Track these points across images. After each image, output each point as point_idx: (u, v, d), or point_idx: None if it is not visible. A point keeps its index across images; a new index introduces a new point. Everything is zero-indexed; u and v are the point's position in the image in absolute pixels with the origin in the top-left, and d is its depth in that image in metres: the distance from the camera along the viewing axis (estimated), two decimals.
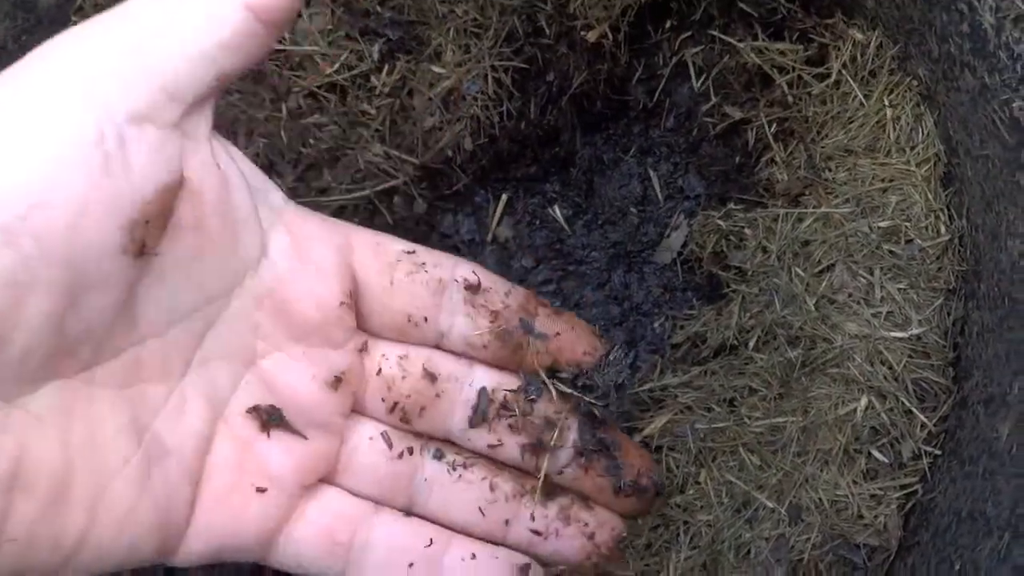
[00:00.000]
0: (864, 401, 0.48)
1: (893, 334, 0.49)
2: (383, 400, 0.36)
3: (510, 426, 0.36)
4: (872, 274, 0.50)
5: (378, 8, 0.56)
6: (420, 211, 0.60)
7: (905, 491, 0.48)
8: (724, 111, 0.61)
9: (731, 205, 0.58)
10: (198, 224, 0.30)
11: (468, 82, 0.57)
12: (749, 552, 0.47)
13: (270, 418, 0.33)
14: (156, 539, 0.30)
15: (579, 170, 0.64)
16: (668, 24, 0.61)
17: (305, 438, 0.34)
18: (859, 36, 0.55)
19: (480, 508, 0.36)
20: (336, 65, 0.55)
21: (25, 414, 0.26)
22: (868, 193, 0.52)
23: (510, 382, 0.37)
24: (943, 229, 0.51)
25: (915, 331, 0.49)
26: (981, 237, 0.49)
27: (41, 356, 0.26)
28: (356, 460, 0.36)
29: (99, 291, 0.27)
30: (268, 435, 0.33)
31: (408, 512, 0.36)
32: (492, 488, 0.37)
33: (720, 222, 0.57)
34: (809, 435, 0.48)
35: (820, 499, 0.47)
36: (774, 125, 0.58)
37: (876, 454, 0.48)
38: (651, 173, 0.64)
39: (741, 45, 0.58)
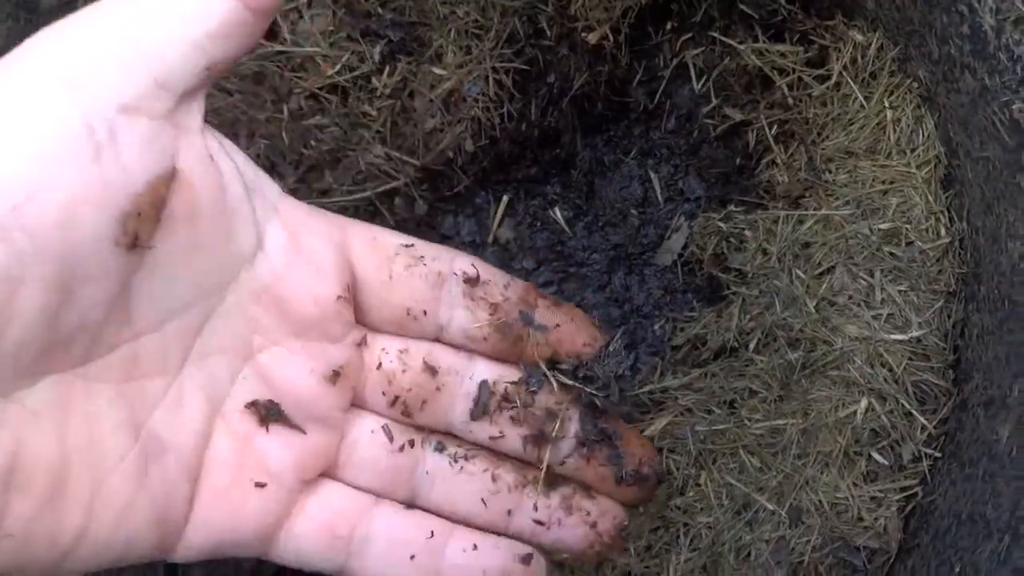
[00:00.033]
0: (864, 403, 0.48)
1: (893, 336, 0.49)
2: (384, 394, 0.36)
3: (512, 418, 0.36)
4: (872, 276, 0.50)
5: (379, 9, 0.57)
6: (421, 212, 0.60)
7: (905, 493, 0.48)
8: (725, 113, 0.61)
9: (731, 207, 0.58)
10: (192, 217, 0.30)
11: (469, 83, 0.57)
12: (749, 554, 0.47)
13: (268, 413, 0.33)
14: (154, 535, 0.30)
15: (580, 172, 0.64)
16: (669, 26, 0.62)
17: (304, 432, 0.34)
18: (859, 38, 0.55)
19: (483, 499, 0.36)
20: (337, 66, 0.55)
21: (21, 409, 0.26)
22: (868, 195, 0.52)
23: (511, 374, 0.37)
24: (943, 231, 0.51)
25: (915, 333, 0.49)
26: (981, 239, 0.49)
27: (36, 350, 0.26)
28: (357, 454, 0.36)
29: (93, 284, 0.27)
30: (267, 430, 0.33)
31: (410, 505, 0.36)
32: (494, 479, 0.37)
33: (720, 224, 0.57)
34: (809, 437, 0.48)
35: (820, 501, 0.47)
36: (774, 127, 0.58)
37: (876, 456, 0.48)
38: (652, 175, 0.64)
39: (742, 47, 0.58)
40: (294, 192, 0.53)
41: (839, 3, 0.57)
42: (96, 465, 0.28)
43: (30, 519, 0.26)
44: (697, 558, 0.47)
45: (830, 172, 0.54)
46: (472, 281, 0.36)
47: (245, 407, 0.33)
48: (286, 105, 0.55)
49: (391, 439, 0.36)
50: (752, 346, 0.52)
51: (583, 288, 0.62)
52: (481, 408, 0.36)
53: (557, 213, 0.64)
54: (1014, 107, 0.42)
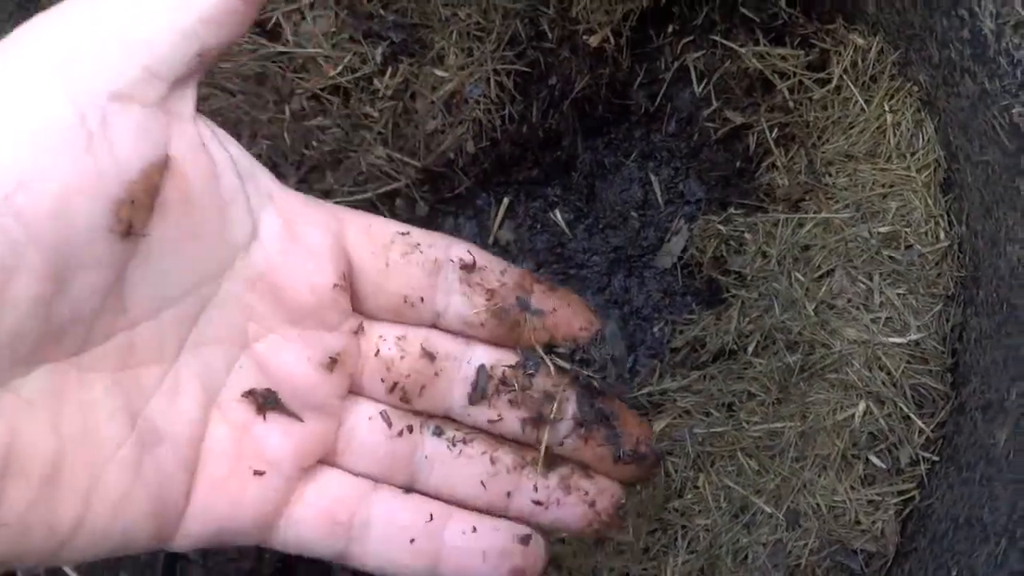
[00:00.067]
0: (862, 406, 0.48)
1: (892, 340, 0.49)
2: (382, 381, 0.36)
3: (510, 401, 0.37)
4: (871, 279, 0.50)
5: (381, 11, 0.57)
6: (422, 214, 0.60)
7: (903, 497, 0.48)
8: (725, 116, 0.61)
9: (731, 210, 0.58)
10: (186, 205, 0.30)
11: (470, 85, 0.57)
12: (747, 557, 0.47)
13: (266, 401, 0.33)
14: (152, 524, 0.30)
15: (580, 174, 0.64)
16: (670, 29, 0.62)
17: (301, 420, 0.34)
18: (860, 42, 0.55)
19: (482, 482, 0.37)
20: (339, 67, 0.56)
21: (16, 398, 0.26)
22: (868, 198, 0.52)
23: (508, 359, 0.37)
24: (942, 235, 0.51)
25: (914, 337, 0.49)
26: (980, 243, 0.49)
27: (30, 340, 0.26)
28: (356, 440, 0.36)
29: (87, 272, 0.27)
30: (264, 418, 0.33)
31: (409, 489, 0.36)
32: (493, 462, 0.37)
33: (720, 227, 0.57)
34: (807, 440, 0.48)
35: (818, 504, 0.47)
36: (775, 130, 0.58)
37: (874, 460, 0.48)
38: (652, 177, 0.64)
39: (742, 50, 0.58)
40: None
41: (840, 7, 0.57)
42: (92, 454, 0.28)
43: (26, 508, 0.26)
44: (695, 560, 0.47)
45: (830, 175, 0.54)
46: (468, 267, 0.36)
47: (242, 396, 0.33)
48: (288, 106, 0.55)
49: (389, 425, 0.36)
50: (751, 349, 0.52)
51: (583, 290, 0.63)
52: (479, 392, 0.36)
53: (558, 215, 0.64)
54: (1014, 111, 0.43)
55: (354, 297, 0.35)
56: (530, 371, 0.37)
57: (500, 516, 0.37)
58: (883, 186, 0.52)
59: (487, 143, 0.59)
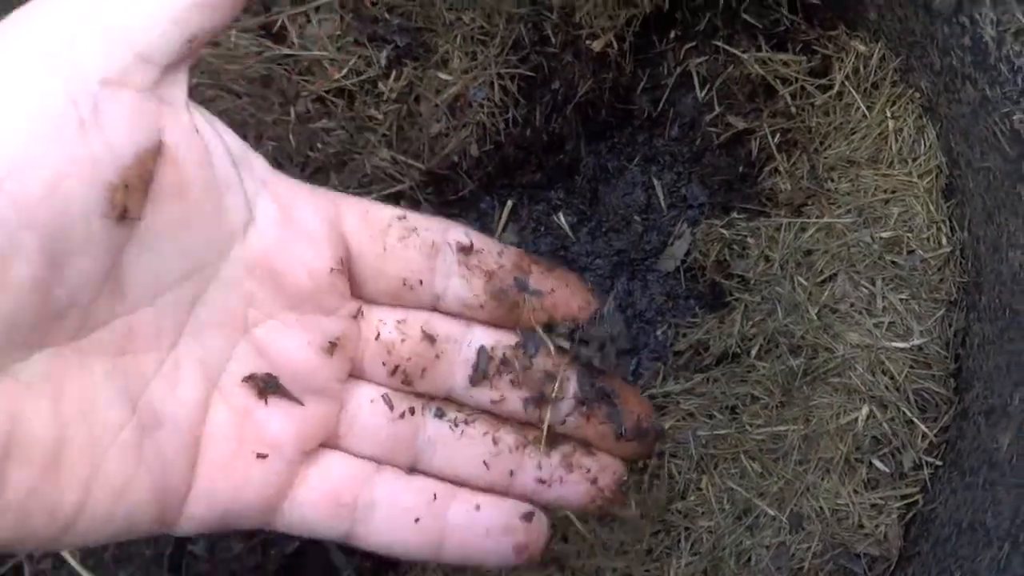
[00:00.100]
0: (865, 411, 0.48)
1: (895, 344, 0.49)
2: (383, 364, 0.36)
3: (511, 381, 0.37)
4: (874, 284, 0.51)
5: (386, 15, 0.57)
6: None
7: (906, 501, 0.48)
8: (728, 121, 0.61)
9: (734, 214, 0.59)
10: (180, 190, 0.30)
11: (474, 89, 0.58)
12: (750, 559, 0.47)
13: (267, 386, 0.33)
14: (154, 508, 0.30)
15: (583, 178, 0.65)
16: (673, 34, 0.62)
17: (302, 404, 0.34)
18: (862, 48, 0.55)
19: (484, 462, 0.37)
20: (344, 70, 0.56)
21: (15, 382, 0.26)
22: (870, 204, 0.53)
23: (508, 339, 0.37)
24: (944, 240, 0.51)
25: (916, 342, 0.49)
26: (982, 249, 0.49)
27: (28, 324, 0.26)
28: (358, 423, 0.36)
29: (84, 257, 0.27)
30: (266, 403, 0.33)
31: (412, 470, 0.36)
32: (495, 442, 0.37)
33: (723, 231, 0.57)
34: (810, 444, 0.48)
35: (821, 508, 0.47)
36: (777, 135, 0.58)
37: (877, 464, 0.48)
38: (655, 182, 0.64)
39: (745, 56, 0.58)
40: None
41: (842, 14, 0.57)
42: (93, 438, 0.28)
43: (28, 492, 0.26)
44: (698, 562, 0.47)
45: (832, 181, 0.54)
46: (466, 250, 0.36)
47: (243, 380, 0.33)
48: (293, 108, 0.56)
49: (391, 407, 0.36)
50: (754, 352, 0.53)
51: None
52: (481, 373, 0.36)
53: (561, 218, 0.64)
54: (1015, 118, 0.43)
55: (353, 281, 0.36)
56: (530, 352, 0.37)
57: (504, 495, 0.37)
58: (885, 192, 0.53)
59: (491, 146, 0.59)
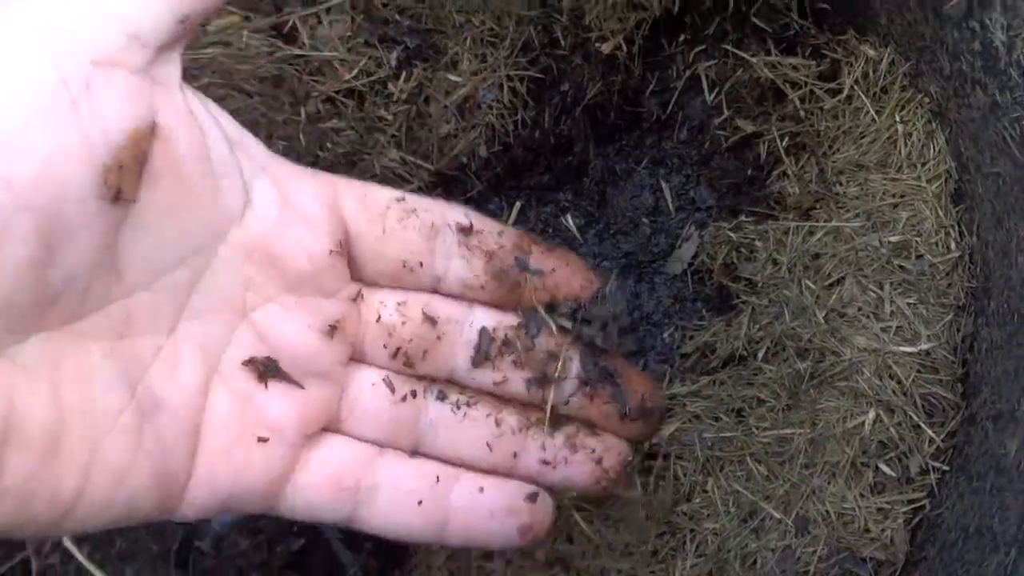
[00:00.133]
0: (872, 415, 0.48)
1: (902, 349, 0.49)
2: (385, 347, 0.36)
3: (514, 362, 0.37)
4: (882, 288, 0.51)
5: (397, 16, 0.57)
6: None
7: (912, 506, 0.48)
8: (736, 124, 0.61)
9: (742, 217, 0.59)
10: (176, 172, 0.30)
11: (484, 90, 0.58)
12: (755, 562, 0.47)
13: (267, 369, 0.33)
14: (155, 493, 0.30)
15: (592, 180, 0.65)
16: (682, 38, 0.62)
17: (303, 387, 0.34)
18: (871, 53, 0.55)
19: (487, 444, 0.37)
20: (354, 71, 0.56)
21: (11, 365, 0.26)
22: (879, 208, 0.53)
23: (510, 320, 0.37)
24: (953, 245, 0.51)
25: (924, 346, 0.49)
26: (991, 254, 0.49)
27: (24, 306, 0.26)
28: (359, 407, 0.36)
29: (79, 238, 0.27)
30: (266, 386, 0.33)
31: (415, 453, 0.36)
32: (498, 423, 0.37)
33: (731, 234, 0.58)
34: (817, 447, 0.48)
35: (827, 511, 0.47)
36: (786, 139, 0.58)
37: (884, 468, 0.48)
38: (663, 184, 0.64)
39: (754, 60, 0.59)
40: None
41: (851, 18, 0.57)
42: (92, 422, 0.28)
43: (27, 476, 0.26)
44: (703, 564, 0.47)
45: (840, 184, 0.54)
46: (466, 231, 0.36)
47: (243, 364, 0.33)
48: (304, 108, 0.56)
49: (392, 390, 0.36)
50: (761, 355, 0.53)
51: None
52: (483, 355, 0.36)
53: (569, 220, 0.64)
54: None
55: (353, 264, 0.35)
56: (532, 332, 0.37)
57: (509, 477, 0.37)
58: (894, 196, 0.53)
59: (499, 148, 0.59)
